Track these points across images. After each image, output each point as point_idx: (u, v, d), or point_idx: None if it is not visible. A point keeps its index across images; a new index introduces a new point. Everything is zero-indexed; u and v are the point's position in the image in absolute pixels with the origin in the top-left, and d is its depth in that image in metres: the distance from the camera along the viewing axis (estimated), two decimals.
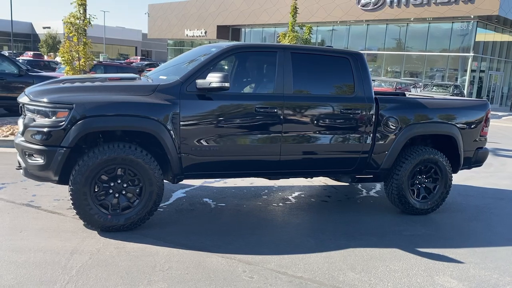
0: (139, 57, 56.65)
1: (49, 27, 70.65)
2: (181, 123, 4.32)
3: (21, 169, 4.32)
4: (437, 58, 31.53)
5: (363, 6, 31.68)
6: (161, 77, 4.79)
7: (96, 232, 4.20)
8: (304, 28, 15.45)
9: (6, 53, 45.40)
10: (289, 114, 4.73)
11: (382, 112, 5.15)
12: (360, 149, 5.10)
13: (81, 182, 4.03)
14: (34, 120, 4.10)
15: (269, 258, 3.90)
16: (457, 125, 5.51)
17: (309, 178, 6.74)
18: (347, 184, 6.79)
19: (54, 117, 4.02)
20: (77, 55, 9.90)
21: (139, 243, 4.03)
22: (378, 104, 5.12)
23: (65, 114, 4.00)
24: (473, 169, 7.01)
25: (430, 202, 5.50)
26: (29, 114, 4.18)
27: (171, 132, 4.28)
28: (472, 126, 5.68)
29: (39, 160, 4.07)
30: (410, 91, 24.85)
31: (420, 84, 29.26)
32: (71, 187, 4.05)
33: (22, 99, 4.28)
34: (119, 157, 4.11)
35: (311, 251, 4.13)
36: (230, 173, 4.91)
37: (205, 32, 43.47)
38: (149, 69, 27.03)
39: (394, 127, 5.19)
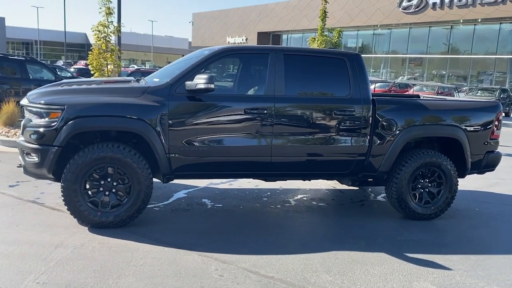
0: None
1: None
2: (170, 123, 4.44)
3: (21, 167, 4.58)
4: (484, 61, 30.22)
5: (404, 9, 30.98)
6: (154, 79, 4.94)
7: (87, 228, 4.38)
8: (333, 32, 15.25)
9: (61, 62, 48.08)
10: (279, 115, 4.73)
11: (380, 114, 5.03)
12: (356, 151, 5.01)
13: (72, 179, 4.23)
14: (31, 121, 4.36)
15: (246, 258, 3.91)
16: (463, 127, 5.29)
17: (317, 181, 6.71)
18: (357, 188, 6.68)
19: (47, 118, 4.26)
20: (105, 62, 10.35)
21: (124, 239, 4.17)
22: (375, 106, 5.02)
23: (57, 114, 4.22)
24: (501, 175, 6.71)
25: (433, 207, 5.30)
26: (27, 115, 4.45)
27: (159, 132, 4.40)
28: (480, 129, 5.42)
29: (35, 158, 4.31)
30: (454, 96, 23.99)
31: (465, 88, 28.16)
32: (62, 184, 4.25)
33: (23, 101, 4.56)
34: (108, 156, 4.27)
35: (292, 252, 4.10)
36: (221, 173, 4.98)
37: (246, 39, 43.99)
38: None
39: (392, 129, 5.06)
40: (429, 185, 5.34)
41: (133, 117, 4.32)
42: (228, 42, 46.20)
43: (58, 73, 18.33)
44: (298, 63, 5.00)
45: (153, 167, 4.56)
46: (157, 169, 4.62)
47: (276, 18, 40.63)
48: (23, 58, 11.94)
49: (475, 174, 5.77)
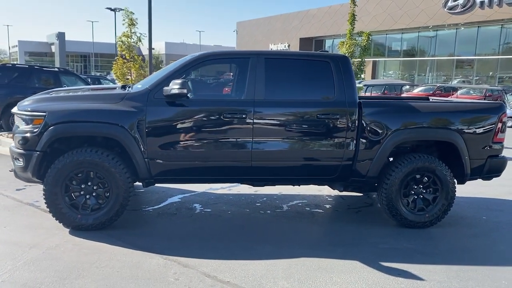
0: (231, 73, 59.38)
1: (153, 48, 77.43)
2: (147, 128, 4.52)
3: (13, 171, 4.84)
4: None
5: (450, 9, 29.75)
6: (138, 86, 5.06)
7: (68, 230, 4.53)
8: (362, 36, 14.90)
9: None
10: (259, 119, 4.69)
11: (366, 117, 4.86)
12: (341, 155, 4.86)
13: (52, 183, 4.40)
14: (19, 127, 4.60)
15: (210, 262, 3.90)
16: (459, 130, 4.99)
17: (319, 187, 6.56)
18: (361, 194, 6.46)
19: (31, 124, 4.47)
20: (129, 71, 10.73)
21: (98, 241, 4.28)
22: (361, 109, 4.85)
23: (40, 121, 4.42)
24: None
25: (428, 215, 5.03)
26: (16, 122, 4.70)
27: (136, 137, 4.49)
28: (479, 132, 5.09)
29: (21, 163, 4.53)
30: (504, 99, 22.67)
31: None
32: (44, 188, 4.45)
33: (14, 109, 4.82)
34: (86, 161, 4.42)
35: (260, 258, 4.04)
36: (201, 178, 4.98)
37: (288, 46, 43.96)
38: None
39: (379, 133, 4.87)
40: (424, 191, 5.08)
41: (110, 122, 4.44)
42: (271, 49, 46.37)
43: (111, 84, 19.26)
44: (280, 67, 4.94)
45: (135, 171, 4.66)
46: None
47: (318, 23, 40.31)
48: (57, 70, 12.59)
49: (479, 180, 5.42)
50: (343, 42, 14.95)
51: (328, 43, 42.70)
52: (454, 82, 30.62)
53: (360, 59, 14.72)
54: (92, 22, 66.66)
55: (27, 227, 4.62)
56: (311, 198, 6.25)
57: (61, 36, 68.55)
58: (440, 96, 24.57)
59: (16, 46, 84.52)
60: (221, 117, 4.64)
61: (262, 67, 4.79)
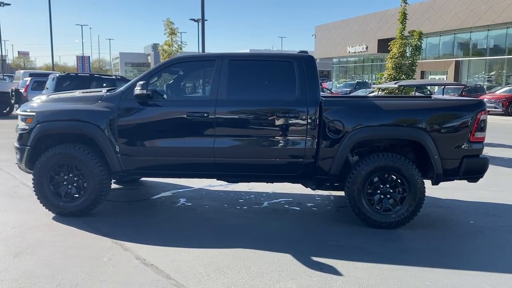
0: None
1: None
2: (118, 126, 5.03)
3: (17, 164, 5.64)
4: None
5: None
6: (120, 88, 5.60)
7: (53, 215, 5.19)
8: (413, 35, 14.26)
9: None
10: (221, 118, 4.97)
11: (327, 116, 4.91)
12: (301, 153, 4.96)
13: (39, 173, 5.09)
14: (18, 125, 5.38)
15: (149, 248, 4.26)
16: (426, 129, 4.81)
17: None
18: None
19: (25, 123, 5.21)
20: None
21: (71, 226, 4.86)
22: (322, 108, 4.91)
23: (31, 120, 5.15)
24: None
25: (394, 215, 4.91)
26: (18, 121, 5.49)
27: (108, 134, 5.01)
28: (451, 131, 4.86)
29: (18, 156, 5.30)
30: None
31: None
32: (32, 178, 5.15)
33: (18, 111, 5.62)
34: (66, 155, 5.05)
35: (197, 247, 4.30)
36: (170, 173, 5.37)
37: (366, 47, 42.87)
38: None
39: (339, 131, 4.88)
40: (391, 191, 4.97)
41: (84, 121, 5.03)
42: (349, 51, 45.59)
43: None
44: (244, 68, 5.18)
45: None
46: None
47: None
48: (114, 77, 13.87)
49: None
50: (395, 41, 14.47)
51: None
52: None
53: (411, 59, 14.13)
54: (180, 33, 70.31)
55: (22, 212, 5.36)
56: (298, 196, 6.33)
57: (155, 47, 74.02)
58: None
59: (118, 57, 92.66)
60: (185, 115, 4.99)
61: (226, 69, 5.06)
